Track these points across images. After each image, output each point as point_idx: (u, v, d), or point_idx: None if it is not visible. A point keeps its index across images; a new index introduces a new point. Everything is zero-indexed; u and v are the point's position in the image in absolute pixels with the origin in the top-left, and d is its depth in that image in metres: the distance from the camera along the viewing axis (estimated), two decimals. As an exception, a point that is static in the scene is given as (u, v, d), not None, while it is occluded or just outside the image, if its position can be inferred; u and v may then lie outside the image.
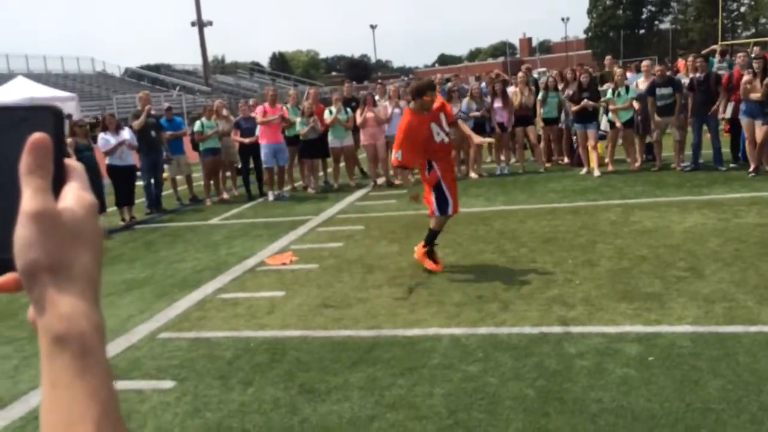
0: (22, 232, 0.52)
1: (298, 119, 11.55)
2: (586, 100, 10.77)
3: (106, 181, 10.29)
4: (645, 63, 11.76)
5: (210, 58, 52.60)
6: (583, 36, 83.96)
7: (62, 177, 0.55)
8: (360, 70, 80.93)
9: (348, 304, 5.57)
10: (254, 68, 69.67)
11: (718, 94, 10.27)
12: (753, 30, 65.55)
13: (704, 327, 4.45)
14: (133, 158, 10.43)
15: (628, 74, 12.18)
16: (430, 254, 6.36)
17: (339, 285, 6.14)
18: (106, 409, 0.52)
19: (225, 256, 7.64)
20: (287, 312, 5.51)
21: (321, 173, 12.28)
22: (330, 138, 11.66)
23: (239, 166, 11.95)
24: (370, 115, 11.46)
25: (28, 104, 0.56)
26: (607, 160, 11.10)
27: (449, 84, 12.82)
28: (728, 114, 10.48)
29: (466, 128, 7.22)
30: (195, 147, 11.67)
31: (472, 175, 11.65)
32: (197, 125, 11.32)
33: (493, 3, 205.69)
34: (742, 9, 69.65)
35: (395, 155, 6.15)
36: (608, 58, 14.11)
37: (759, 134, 9.33)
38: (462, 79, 14.06)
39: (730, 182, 9.25)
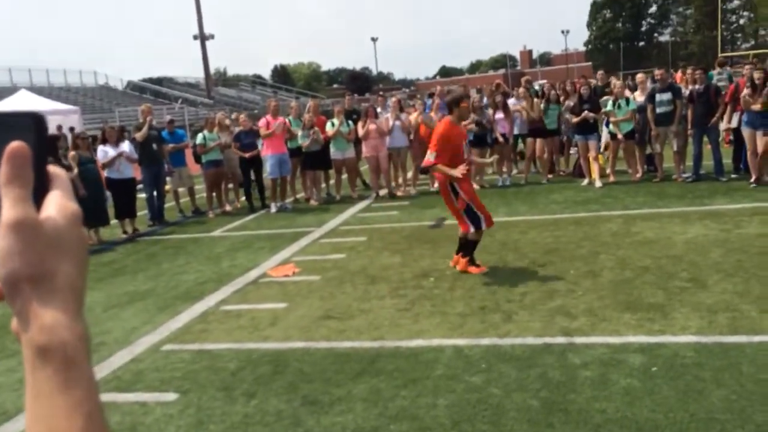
0: (2, 243, 0.51)
1: (300, 132, 11.60)
2: (586, 111, 10.82)
3: (108, 193, 10.32)
4: (639, 76, 11.80)
5: (212, 71, 52.82)
6: (583, 48, 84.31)
7: (45, 185, 0.54)
8: (361, 83, 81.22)
9: (351, 316, 5.57)
10: (256, 81, 70.02)
11: (717, 106, 10.31)
12: (752, 42, 65.85)
13: (707, 337, 4.45)
14: (133, 171, 10.45)
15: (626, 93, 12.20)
16: (472, 261, 6.57)
17: (342, 296, 6.15)
18: (90, 422, 0.50)
19: (228, 268, 7.65)
20: (290, 323, 5.51)
21: (323, 185, 12.31)
22: (332, 150, 11.70)
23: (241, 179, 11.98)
24: (372, 127, 11.50)
25: (9, 111, 0.55)
26: (608, 171, 11.13)
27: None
28: (734, 124, 10.51)
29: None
30: (197, 159, 11.71)
31: (474, 186, 11.65)
32: (199, 138, 11.37)
33: (493, 15, 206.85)
34: (742, 21, 70.02)
35: (429, 156, 6.26)
36: (600, 72, 14.16)
37: (760, 145, 9.36)
38: (467, 91, 14.09)
39: (731, 193, 9.26)
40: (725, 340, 4.39)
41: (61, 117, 27.16)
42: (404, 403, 3.93)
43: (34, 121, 0.54)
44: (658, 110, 10.44)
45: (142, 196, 10.98)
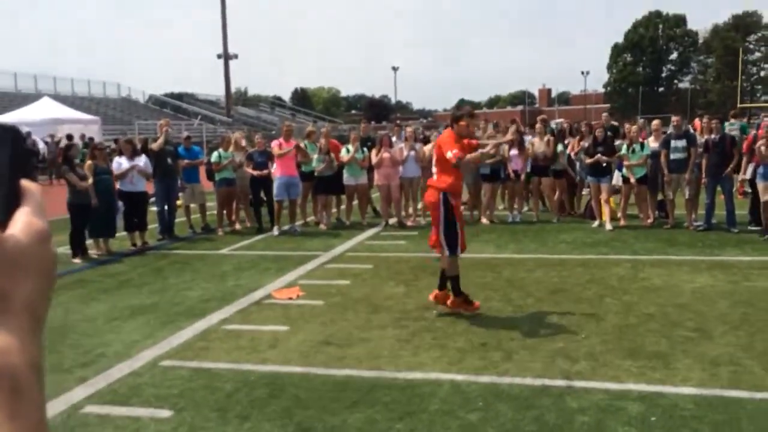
0: None
1: (315, 156, 11.69)
2: (599, 155, 10.84)
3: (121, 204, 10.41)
4: (655, 123, 11.80)
5: (233, 90, 53.49)
6: (602, 90, 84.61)
7: (17, 200, 0.53)
8: (380, 110, 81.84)
9: (351, 343, 5.56)
10: (276, 102, 70.77)
11: (732, 156, 10.30)
12: (772, 94, 65.74)
13: (708, 390, 4.40)
14: (145, 185, 10.54)
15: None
16: (465, 299, 6.34)
17: (343, 323, 6.14)
18: None
19: (232, 287, 7.67)
20: (290, 347, 5.51)
21: (334, 210, 12.36)
22: (345, 175, 11.77)
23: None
24: (386, 155, 11.57)
25: None
26: (619, 214, 11.11)
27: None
28: (748, 175, 10.48)
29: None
30: (209, 176, 11.83)
31: (484, 221, 11.68)
32: (214, 156, 11.49)
33: (514, 52, 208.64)
34: (762, 73, 70.17)
35: (449, 154, 5.99)
36: (605, 114, 14.16)
37: (774, 198, 9.32)
38: (484, 125, 14.16)
39: (742, 245, 9.21)
40: (726, 394, 4.34)
41: (81, 126, 27.58)
42: (398, 436, 3.89)
43: (11, 136, 0.53)
44: (672, 156, 10.44)
45: (153, 209, 11.06)
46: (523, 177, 11.86)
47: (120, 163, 10.24)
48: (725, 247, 9.10)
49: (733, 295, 6.69)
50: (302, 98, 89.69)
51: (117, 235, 10.18)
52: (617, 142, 11.58)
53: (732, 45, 65.58)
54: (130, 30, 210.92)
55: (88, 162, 9.80)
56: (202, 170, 12.19)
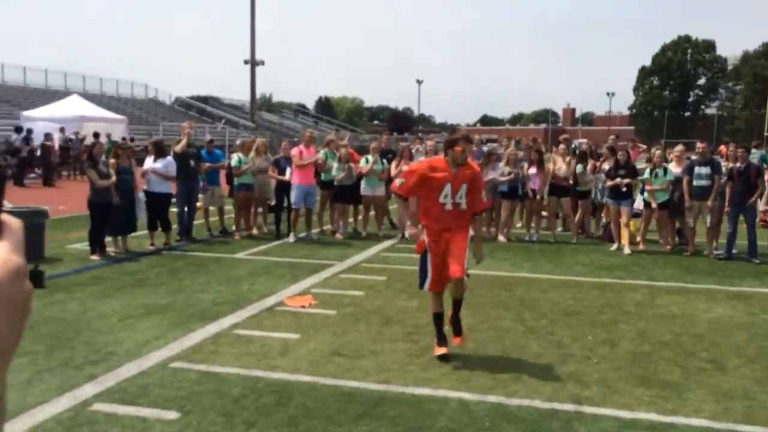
0: None
1: (335, 164, 11.73)
2: (619, 178, 10.75)
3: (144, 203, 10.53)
4: (678, 148, 11.67)
5: (258, 96, 53.94)
6: (627, 112, 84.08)
7: None
8: (402, 122, 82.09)
9: (361, 355, 5.54)
10: (299, 109, 71.23)
11: (757, 186, 10.17)
12: (801, 123, 64.79)
13: (721, 423, 4.32)
14: (170, 187, 10.64)
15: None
16: (440, 338, 5.54)
17: (354, 334, 6.12)
18: None
19: (246, 291, 7.70)
20: (300, 355, 5.50)
21: (350, 220, 12.37)
22: (363, 186, 11.79)
23: (272, 203, 12.13)
24: (405, 168, 11.56)
25: None
26: (638, 239, 10.99)
27: (488, 146, 12.93)
28: None
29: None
30: (228, 180, 11.92)
31: (501, 238, 11.62)
32: (234, 160, 11.57)
33: (540, 70, 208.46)
34: (791, 102, 69.22)
35: (399, 181, 5.70)
36: (612, 137, 13.95)
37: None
38: (507, 143, 14.12)
39: (763, 276, 9.06)
40: (739, 428, 4.25)
41: (107, 125, 27.95)
42: (402, 452, 3.87)
43: None
44: (696, 183, 10.31)
45: (173, 210, 11.15)
46: (539, 197, 11.80)
47: (148, 164, 10.46)
48: (745, 277, 8.96)
49: (751, 327, 6.58)
50: (326, 107, 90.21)
51: (136, 234, 10.28)
52: (640, 166, 11.47)
53: (761, 73, 64.99)
54: (160, 31, 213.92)
55: (111, 161, 9.93)
56: (223, 174, 12.30)
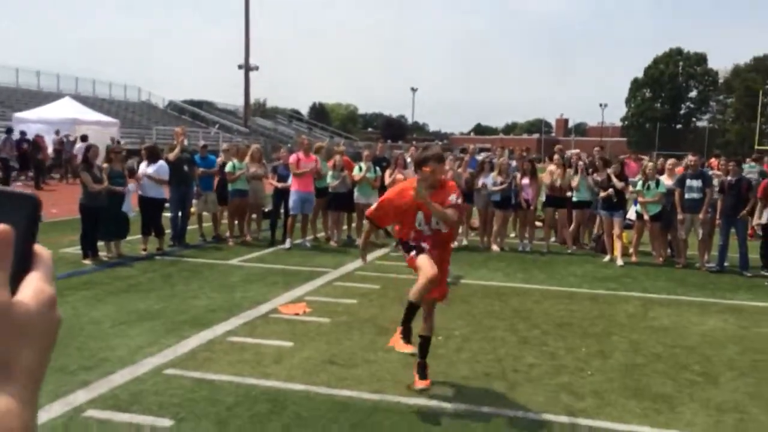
0: None
1: (330, 172, 11.73)
2: (611, 189, 10.81)
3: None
4: (670, 161, 11.77)
5: (252, 101, 53.88)
6: (619, 123, 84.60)
7: (28, 264, 0.55)
8: (396, 130, 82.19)
9: (354, 364, 5.54)
10: (293, 115, 71.12)
11: (748, 199, 10.24)
12: (791, 138, 65.43)
13: (714, 437, 4.34)
14: (164, 192, 10.61)
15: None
16: (406, 334, 5.07)
17: (348, 343, 6.12)
18: None
19: (239, 298, 7.68)
20: (293, 364, 5.49)
21: (345, 227, 12.37)
22: (356, 194, 11.80)
23: (266, 209, 12.11)
24: (399, 176, 11.57)
25: (9, 189, 0.56)
26: (631, 250, 11.04)
27: (482, 155, 12.97)
28: (764, 219, 10.39)
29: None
30: (217, 186, 11.94)
31: (494, 248, 11.65)
32: (229, 166, 11.55)
33: (534, 81, 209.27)
34: (782, 115, 69.84)
35: (373, 206, 5.42)
36: (596, 148, 14.01)
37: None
38: (500, 152, 14.20)
39: (755, 289, 9.12)
40: (732, 442, 4.27)
41: (100, 128, 27.81)
42: (396, 462, 3.86)
43: (31, 204, 0.55)
44: (687, 196, 10.38)
45: (167, 215, 11.11)
46: (532, 207, 11.82)
47: (143, 169, 10.43)
48: (737, 290, 9.02)
49: (743, 340, 6.62)
50: (320, 113, 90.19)
51: (129, 238, 10.24)
52: (636, 179, 11.50)
53: (753, 86, 65.51)
54: (154, 35, 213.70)
55: (104, 165, 9.89)
56: (216, 179, 12.26)
